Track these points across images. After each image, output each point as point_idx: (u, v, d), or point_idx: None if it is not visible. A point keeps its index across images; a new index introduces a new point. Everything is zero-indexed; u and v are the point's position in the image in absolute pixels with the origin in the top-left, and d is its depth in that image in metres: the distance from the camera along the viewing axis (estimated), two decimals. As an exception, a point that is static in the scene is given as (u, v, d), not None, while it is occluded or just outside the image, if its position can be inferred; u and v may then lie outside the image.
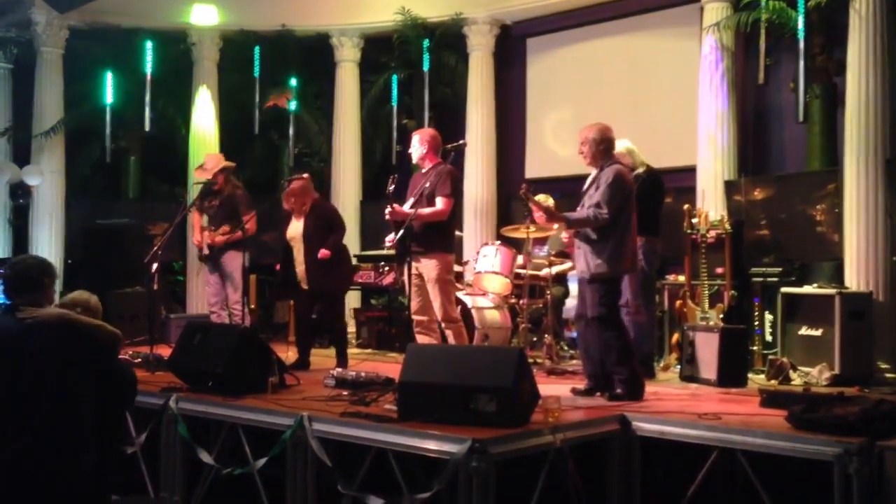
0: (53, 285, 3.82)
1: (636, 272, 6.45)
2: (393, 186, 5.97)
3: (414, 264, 5.96)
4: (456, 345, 5.90)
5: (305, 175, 7.26)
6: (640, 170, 6.68)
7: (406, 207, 5.93)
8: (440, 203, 5.89)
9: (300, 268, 6.91)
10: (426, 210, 5.88)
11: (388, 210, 5.90)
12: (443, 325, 6.03)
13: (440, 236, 5.97)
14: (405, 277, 5.90)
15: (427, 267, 5.92)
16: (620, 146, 6.71)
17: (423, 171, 6.11)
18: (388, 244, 6.10)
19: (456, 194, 6.02)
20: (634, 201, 5.57)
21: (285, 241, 7.09)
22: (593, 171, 5.56)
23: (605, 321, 5.35)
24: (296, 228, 6.98)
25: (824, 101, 7.73)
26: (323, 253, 6.76)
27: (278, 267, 7.10)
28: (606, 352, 5.37)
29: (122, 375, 3.80)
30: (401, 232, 5.82)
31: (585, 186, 5.57)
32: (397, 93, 10.62)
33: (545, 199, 7.91)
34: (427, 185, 5.92)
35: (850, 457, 3.74)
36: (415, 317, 6.05)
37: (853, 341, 6.25)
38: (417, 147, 6.10)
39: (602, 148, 5.52)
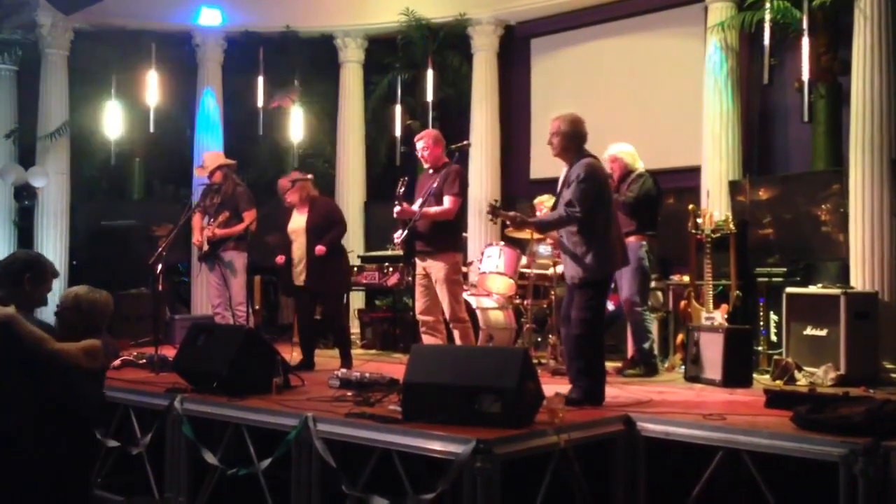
0: (38, 285, 3.75)
1: (639, 268, 6.45)
2: (402, 188, 6.01)
3: (421, 264, 5.98)
4: (460, 345, 5.90)
5: (294, 175, 7.20)
6: (642, 169, 6.69)
7: (415, 208, 5.95)
8: (447, 202, 5.90)
9: (300, 264, 6.79)
10: (433, 209, 5.91)
11: (396, 209, 5.92)
12: (451, 324, 6.04)
13: (448, 236, 5.99)
14: (411, 277, 5.89)
15: (435, 267, 5.92)
16: (621, 149, 6.73)
17: (431, 171, 6.14)
18: (395, 241, 6.10)
19: (463, 193, 6.03)
20: (611, 195, 5.31)
21: (287, 238, 6.97)
22: (564, 169, 5.23)
23: (588, 324, 5.04)
24: (298, 222, 6.88)
25: (829, 101, 7.72)
26: (319, 249, 6.65)
27: (280, 259, 6.98)
28: (577, 354, 5.08)
29: (74, 397, 3.73)
30: (404, 232, 5.82)
31: (559, 186, 5.26)
32: (401, 93, 10.63)
33: (548, 200, 7.94)
34: (434, 185, 5.94)
35: (856, 457, 3.72)
36: (420, 317, 6.06)
37: (859, 341, 6.23)
38: (423, 149, 6.14)
39: (575, 142, 5.17)
